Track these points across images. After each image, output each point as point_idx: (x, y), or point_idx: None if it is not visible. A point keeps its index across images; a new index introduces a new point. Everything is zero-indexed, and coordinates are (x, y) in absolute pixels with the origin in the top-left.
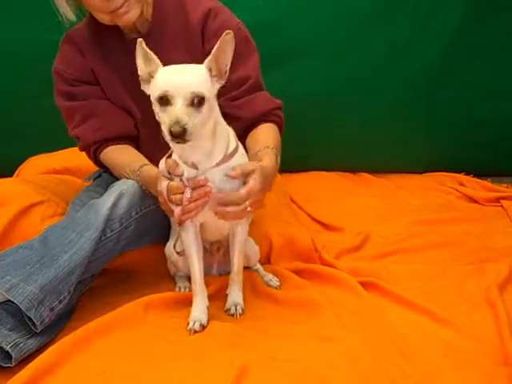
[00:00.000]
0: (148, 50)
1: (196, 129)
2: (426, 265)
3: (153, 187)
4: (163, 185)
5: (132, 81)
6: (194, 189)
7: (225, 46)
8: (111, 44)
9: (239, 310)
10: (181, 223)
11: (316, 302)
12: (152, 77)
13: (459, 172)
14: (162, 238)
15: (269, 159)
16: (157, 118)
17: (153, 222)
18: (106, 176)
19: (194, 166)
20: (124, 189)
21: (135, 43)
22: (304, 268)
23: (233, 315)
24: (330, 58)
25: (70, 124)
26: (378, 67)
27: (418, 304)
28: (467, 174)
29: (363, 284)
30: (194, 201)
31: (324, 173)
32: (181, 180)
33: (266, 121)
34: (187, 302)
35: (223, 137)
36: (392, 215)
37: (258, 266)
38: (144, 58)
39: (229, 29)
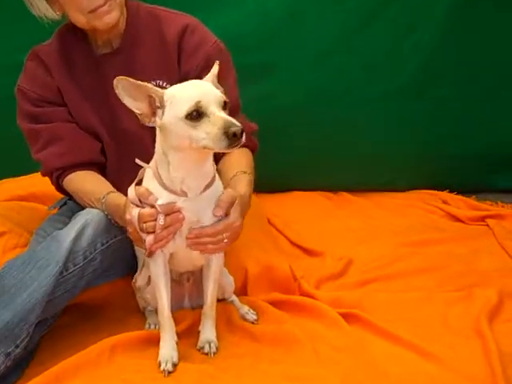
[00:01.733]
0: (139, 83)
1: None
2: (409, 292)
3: (119, 216)
4: (134, 213)
5: (101, 102)
6: (167, 215)
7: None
8: (80, 62)
9: (213, 348)
10: (150, 253)
11: (294, 338)
12: (159, 107)
13: (443, 189)
14: (130, 270)
15: (245, 186)
16: (179, 140)
17: (120, 253)
18: (72, 204)
19: (183, 193)
20: (88, 218)
21: (106, 60)
22: (282, 299)
23: (206, 354)
24: (308, 72)
25: (32, 147)
26: (357, 80)
27: (402, 337)
28: (451, 191)
29: (344, 316)
30: (167, 227)
31: (304, 193)
32: (152, 206)
33: (240, 146)
34: (157, 340)
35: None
36: (374, 237)
37: (234, 297)
38: (131, 95)
39: (207, 46)
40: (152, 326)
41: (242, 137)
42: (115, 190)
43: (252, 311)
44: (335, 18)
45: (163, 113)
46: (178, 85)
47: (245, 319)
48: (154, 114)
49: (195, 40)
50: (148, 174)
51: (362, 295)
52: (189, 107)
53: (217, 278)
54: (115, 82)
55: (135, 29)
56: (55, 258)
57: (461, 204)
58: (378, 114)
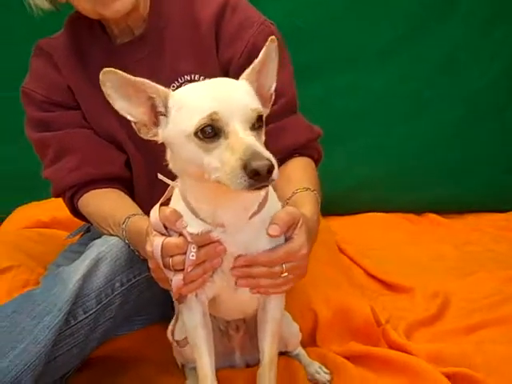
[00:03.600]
0: (134, 78)
1: None
2: None
3: (142, 246)
4: (156, 242)
5: None
6: (200, 247)
7: (268, 59)
8: (95, 55)
9: None
10: (181, 298)
11: None
12: (162, 113)
13: None
14: (162, 315)
15: (311, 206)
16: (188, 166)
17: (148, 294)
18: (96, 231)
19: (221, 225)
20: (103, 251)
21: (126, 51)
22: (363, 352)
23: None
24: (373, 71)
25: (43, 161)
26: (430, 80)
27: None
28: None
29: (450, 377)
30: (201, 264)
31: (379, 214)
32: (181, 235)
33: (301, 154)
34: None
35: None
36: (473, 268)
37: (300, 350)
38: (124, 95)
39: (253, 29)
40: None
41: (269, 177)
42: (141, 213)
43: (324, 369)
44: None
45: (167, 122)
46: (192, 84)
47: (315, 380)
48: (155, 123)
49: (237, 21)
50: (176, 193)
51: (473, 348)
52: (199, 120)
53: (276, 328)
54: (101, 76)
55: (161, 11)
56: (58, 303)
57: None
58: (461, 117)
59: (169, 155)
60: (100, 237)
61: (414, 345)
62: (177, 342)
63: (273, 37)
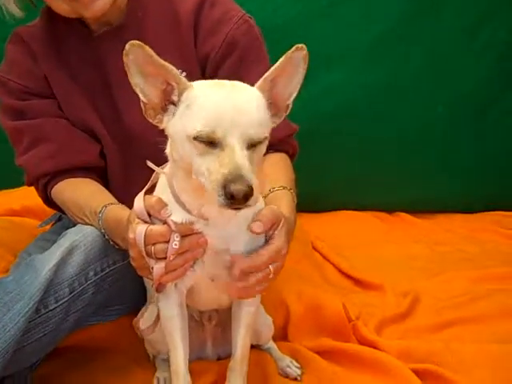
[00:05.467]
0: (150, 52)
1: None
2: (502, 343)
3: (121, 235)
4: (139, 230)
5: (100, 94)
6: (183, 236)
7: (290, 67)
8: (72, 43)
9: None
10: (160, 287)
11: None
12: (172, 103)
13: None
14: (135, 306)
15: (287, 206)
16: (182, 160)
17: (122, 284)
18: (67, 219)
19: (205, 218)
20: (77, 240)
21: (104, 40)
22: (334, 347)
23: None
24: (357, 69)
25: (17, 150)
26: (415, 80)
27: None
28: None
29: (419, 373)
30: (183, 253)
31: (352, 212)
32: (165, 223)
33: (276, 150)
34: None
35: None
36: (443, 267)
37: (271, 344)
38: (143, 71)
39: (231, 22)
40: (161, 383)
41: (244, 202)
42: (117, 202)
43: (295, 363)
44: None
45: (174, 114)
46: (211, 83)
47: (286, 374)
48: (163, 108)
49: (216, 15)
50: (162, 181)
51: (442, 345)
52: (201, 129)
53: (250, 321)
54: (127, 46)
55: (140, 2)
56: (29, 291)
57: None
58: (441, 117)
59: (169, 142)
60: (72, 226)
61: (384, 341)
62: (141, 330)
63: (301, 45)
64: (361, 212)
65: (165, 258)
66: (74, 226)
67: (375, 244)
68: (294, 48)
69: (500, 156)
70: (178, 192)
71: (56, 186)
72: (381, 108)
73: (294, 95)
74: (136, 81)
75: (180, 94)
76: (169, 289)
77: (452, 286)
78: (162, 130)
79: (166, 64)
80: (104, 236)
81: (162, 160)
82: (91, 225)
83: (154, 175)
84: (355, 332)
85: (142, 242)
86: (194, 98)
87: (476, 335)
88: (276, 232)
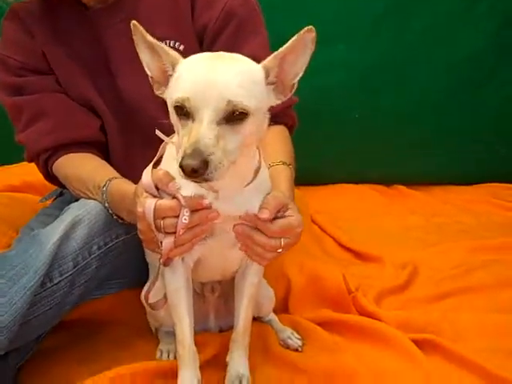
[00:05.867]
0: (150, 38)
1: (226, 160)
2: (498, 313)
3: (126, 209)
4: (148, 204)
5: (98, 68)
6: (193, 211)
7: (299, 47)
8: (68, 19)
9: None
10: (167, 261)
11: (353, 372)
12: (170, 75)
13: None
14: (138, 280)
15: (286, 183)
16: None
17: (124, 258)
18: (68, 194)
19: (215, 191)
20: (80, 214)
21: (100, 16)
22: (334, 319)
23: None
24: (356, 46)
25: (16, 126)
26: (413, 53)
27: (498, 374)
28: None
29: (419, 343)
30: (192, 228)
31: (351, 185)
32: (174, 197)
33: (275, 122)
34: (172, 375)
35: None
36: (441, 239)
37: (272, 316)
38: (147, 48)
39: None
40: (165, 355)
41: (195, 176)
42: (120, 176)
43: (296, 335)
44: None
45: (169, 85)
46: (199, 56)
47: (287, 345)
48: (166, 81)
49: None
50: (169, 152)
51: (440, 315)
52: (176, 98)
53: (253, 293)
54: (132, 27)
55: None
56: (34, 265)
57: None
58: (437, 92)
59: None
60: (75, 200)
61: (384, 312)
62: (150, 304)
63: (311, 27)
64: (359, 185)
65: (174, 233)
66: (76, 200)
67: (373, 216)
68: (305, 29)
69: (495, 127)
70: None
71: (57, 161)
72: (378, 83)
73: (300, 75)
74: (143, 56)
75: (173, 67)
76: (176, 262)
77: (449, 257)
78: (162, 105)
79: (156, 42)
80: (107, 210)
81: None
82: (94, 199)
83: (161, 147)
84: (355, 303)
85: (152, 216)
86: (180, 69)
87: (473, 305)
88: (289, 212)
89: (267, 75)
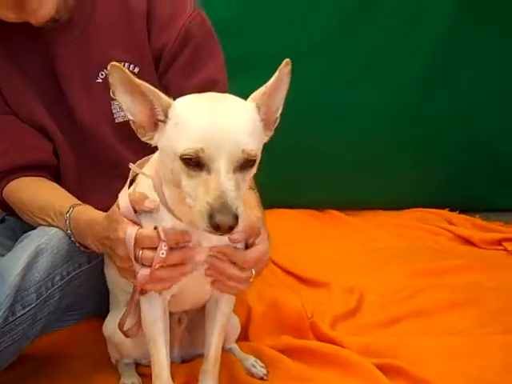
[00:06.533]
0: (137, 80)
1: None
2: (451, 335)
3: (93, 236)
4: (129, 232)
5: (48, 88)
6: (172, 248)
7: (280, 81)
8: (20, 39)
9: None
10: (142, 292)
11: None
12: (160, 120)
13: (442, 208)
14: (98, 310)
15: (258, 208)
16: (172, 178)
17: (85, 289)
18: (12, 221)
19: (194, 225)
20: (43, 242)
21: (51, 34)
22: (296, 345)
23: None
24: (298, 69)
25: None
26: (350, 81)
27: None
28: (451, 210)
29: (380, 368)
30: (171, 266)
31: (285, 210)
32: (155, 228)
33: None
34: None
35: None
36: (379, 264)
37: (233, 344)
38: (128, 91)
39: (185, 16)
40: None
41: (229, 232)
42: (81, 203)
43: (259, 363)
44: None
45: (163, 132)
46: (195, 97)
47: (251, 374)
48: (155, 125)
49: (168, 7)
50: (144, 183)
51: (397, 340)
52: (186, 149)
53: (225, 322)
54: (109, 67)
55: None
56: None
57: (467, 224)
58: (372, 119)
59: (158, 154)
60: (20, 226)
61: (344, 337)
62: (125, 332)
63: (288, 59)
64: (292, 210)
65: (149, 266)
66: (23, 228)
67: (311, 241)
68: (284, 62)
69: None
70: (169, 201)
71: (8, 186)
72: (313, 109)
73: (281, 109)
74: (122, 99)
75: (165, 112)
76: (153, 294)
77: (391, 282)
78: (115, 129)
79: (146, 84)
80: (69, 238)
81: (114, 160)
82: (53, 226)
83: (131, 173)
84: (313, 329)
85: (132, 244)
86: (179, 115)
87: (425, 329)
88: (259, 238)
89: (258, 113)
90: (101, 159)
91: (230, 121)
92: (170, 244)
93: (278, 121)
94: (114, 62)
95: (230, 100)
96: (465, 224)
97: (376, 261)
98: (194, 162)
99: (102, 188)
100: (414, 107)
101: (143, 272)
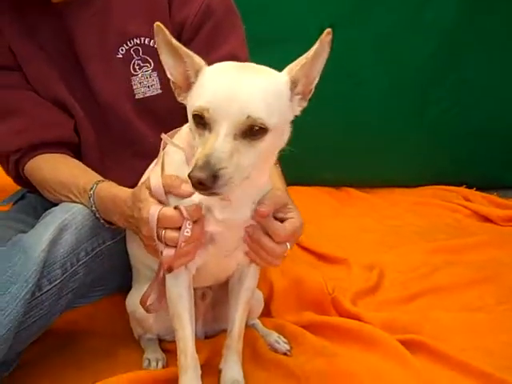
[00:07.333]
0: (175, 42)
1: (238, 176)
2: (471, 311)
3: (118, 212)
4: (152, 211)
5: (69, 65)
6: (195, 222)
7: (320, 52)
8: (39, 16)
9: None
10: (170, 269)
11: (350, 376)
12: (192, 82)
13: (458, 185)
14: (120, 287)
15: (280, 181)
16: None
17: (109, 264)
18: (33, 197)
19: (224, 197)
20: (67, 219)
21: (69, 11)
22: (318, 321)
23: None
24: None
25: None
26: (364, 61)
27: (485, 371)
28: (468, 187)
29: (404, 343)
30: (193, 239)
31: (301, 188)
32: (176, 208)
33: None
34: None
35: None
36: (398, 241)
37: (256, 320)
38: (170, 51)
39: None
40: (153, 364)
41: (202, 188)
42: (104, 179)
43: (283, 339)
44: None
45: (191, 92)
46: (227, 64)
47: (274, 349)
48: (188, 86)
49: None
50: (175, 158)
51: (420, 316)
52: (196, 107)
53: (249, 297)
54: (155, 27)
55: None
56: (22, 274)
57: (484, 201)
58: (386, 98)
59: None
60: (41, 203)
61: (368, 313)
62: (147, 307)
63: (329, 29)
64: (307, 187)
65: (175, 246)
66: (44, 204)
67: (328, 219)
68: (325, 32)
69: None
70: None
71: (30, 163)
72: (329, 91)
73: (317, 79)
74: (165, 60)
75: (196, 74)
76: (179, 269)
77: (410, 259)
78: (135, 105)
79: (181, 47)
80: (94, 214)
81: (134, 137)
82: (77, 202)
83: (162, 144)
84: (335, 305)
85: (155, 224)
86: (203, 78)
87: (444, 305)
88: (289, 213)
89: (294, 86)
90: (120, 136)
91: (244, 88)
92: (192, 219)
93: (312, 91)
94: (158, 23)
95: (260, 71)
96: (482, 201)
97: (394, 238)
98: (201, 121)
99: (122, 165)
100: (427, 86)
101: (168, 252)
